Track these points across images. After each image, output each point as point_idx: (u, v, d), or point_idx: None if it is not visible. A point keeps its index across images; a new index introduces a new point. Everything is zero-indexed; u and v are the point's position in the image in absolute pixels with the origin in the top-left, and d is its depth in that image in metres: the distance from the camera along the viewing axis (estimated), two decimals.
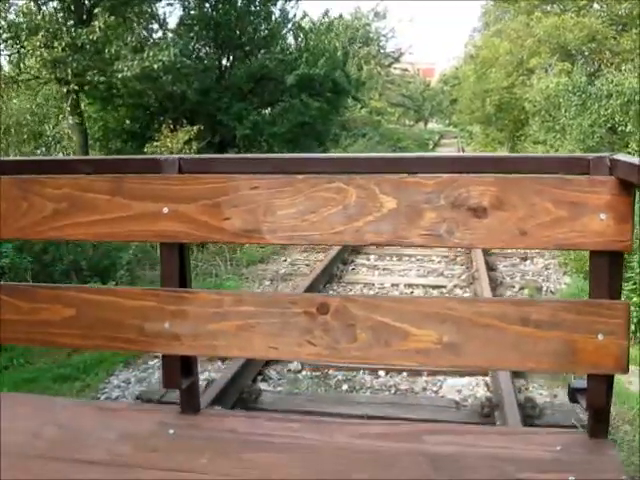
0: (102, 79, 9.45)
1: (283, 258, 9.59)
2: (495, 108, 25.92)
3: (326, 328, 1.99)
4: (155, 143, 8.90)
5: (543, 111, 19.36)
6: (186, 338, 2.08)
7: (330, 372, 5.01)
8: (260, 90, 12.98)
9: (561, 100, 18.02)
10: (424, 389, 4.82)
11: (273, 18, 13.25)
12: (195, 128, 9.28)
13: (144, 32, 11.17)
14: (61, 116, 10.24)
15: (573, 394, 2.02)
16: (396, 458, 1.93)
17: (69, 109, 9.73)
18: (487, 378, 4.81)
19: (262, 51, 12.22)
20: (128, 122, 11.63)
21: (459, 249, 9.28)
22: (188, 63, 9.92)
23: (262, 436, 2.07)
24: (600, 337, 1.86)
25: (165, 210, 2.05)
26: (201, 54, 12.42)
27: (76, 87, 9.64)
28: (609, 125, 16.53)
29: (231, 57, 13.02)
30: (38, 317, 2.18)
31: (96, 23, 8.87)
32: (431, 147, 40.38)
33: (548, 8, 24.46)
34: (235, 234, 2.05)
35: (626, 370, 1.90)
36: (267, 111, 12.97)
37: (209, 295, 2.14)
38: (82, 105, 11.28)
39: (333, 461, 1.92)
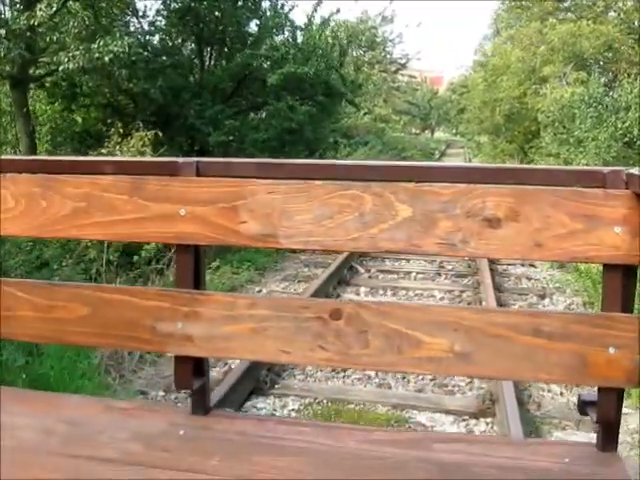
0: (39, 72, 8.15)
1: None
2: (505, 118, 24.98)
3: (339, 334, 2.02)
4: (102, 150, 7.49)
5: (557, 122, 18.74)
6: (199, 339, 2.11)
7: None
8: (244, 92, 11.48)
9: (576, 111, 17.33)
10: None
11: (262, 12, 11.87)
12: (150, 133, 7.81)
13: (117, 22, 9.78)
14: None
15: (583, 406, 2.02)
16: (405, 465, 1.94)
17: (13, 108, 8.38)
18: None
19: (247, 49, 10.63)
20: (82, 124, 10.21)
21: (468, 283, 8.71)
22: (145, 56, 8.41)
23: (272, 439, 2.08)
24: (612, 350, 1.86)
25: (182, 212, 2.09)
26: (173, 48, 10.87)
27: (25, 82, 8.37)
28: (626, 139, 15.84)
29: (211, 54, 11.58)
30: (54, 315, 2.22)
31: (38, 6, 7.50)
32: (437, 157, 39.39)
33: (561, 16, 23.87)
34: (251, 238, 2.09)
35: (637, 384, 1.90)
36: (252, 115, 11.49)
37: (223, 297, 2.17)
38: (37, 104, 10.04)
39: (342, 466, 1.93)
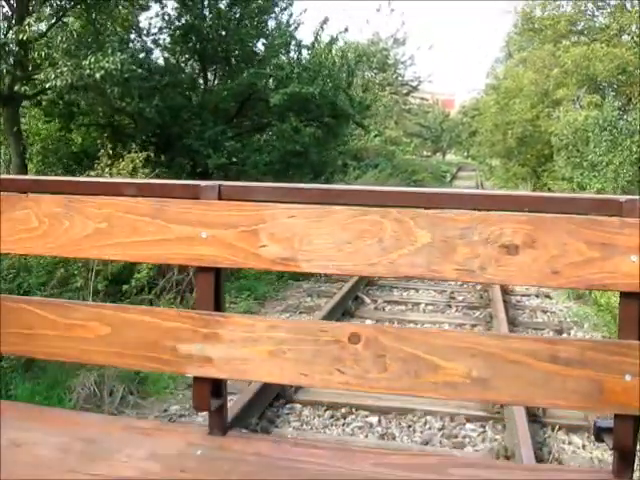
0: (25, 89, 7.74)
1: None
2: (517, 141, 24.74)
3: (357, 358, 2.02)
4: (91, 172, 7.04)
5: (570, 146, 18.53)
6: (218, 361, 2.12)
7: None
8: (248, 113, 11.04)
9: (590, 135, 17.16)
10: None
11: (269, 31, 11.47)
12: (141, 155, 7.36)
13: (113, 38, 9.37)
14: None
15: (599, 433, 2.02)
16: None
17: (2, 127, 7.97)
18: None
19: (251, 68, 10.17)
20: (81, 144, 9.79)
21: (480, 316, 8.21)
22: (139, 73, 7.96)
23: (288, 461, 2.08)
24: (628, 378, 1.86)
25: (204, 235, 2.12)
26: (174, 67, 10.44)
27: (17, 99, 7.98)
28: None
29: (216, 73, 11.15)
30: (74, 333, 2.23)
31: (27, 20, 7.09)
32: (448, 180, 38.91)
33: (575, 38, 23.68)
34: (272, 261, 2.10)
35: None
36: (257, 137, 11.03)
37: (242, 319, 2.20)
38: (32, 122, 9.64)
39: None
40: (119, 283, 7.06)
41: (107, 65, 7.04)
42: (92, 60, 7.07)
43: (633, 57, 19.96)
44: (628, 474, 1.98)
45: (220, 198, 2.15)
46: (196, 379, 2.21)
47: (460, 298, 9.19)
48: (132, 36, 10.74)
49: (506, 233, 1.94)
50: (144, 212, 2.17)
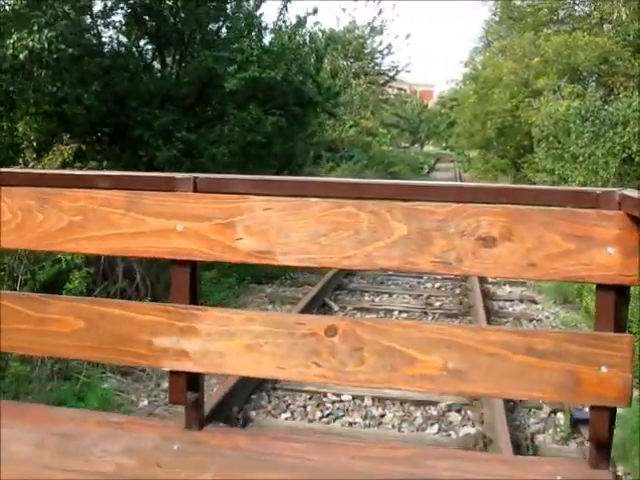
0: None
1: None
2: (496, 132, 24.30)
3: (333, 351, 2.03)
4: (15, 168, 6.13)
5: (551, 137, 18.12)
6: (194, 355, 2.12)
7: None
8: (209, 101, 10.07)
9: (571, 126, 16.67)
10: None
11: (231, 11, 10.49)
12: (69, 148, 6.40)
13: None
14: None
15: (575, 424, 2.32)
16: None
17: None
18: None
19: (207, 51, 9.19)
20: (27, 135, 8.77)
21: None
22: (70, 53, 6.95)
23: (266, 455, 2.08)
24: (604, 369, 1.88)
25: (179, 228, 2.11)
26: (120, 49, 9.44)
27: None
28: (624, 155, 15.07)
29: (174, 58, 10.16)
30: (48, 328, 2.21)
31: None
32: (426, 172, 38.23)
33: (556, 27, 23.26)
34: (247, 254, 2.10)
35: (629, 403, 1.89)
36: (218, 128, 10.05)
37: (219, 313, 2.17)
38: None
39: None
40: (54, 291, 6.20)
41: (32, 44, 6.11)
42: (15, 38, 6.13)
43: (615, 46, 19.71)
44: (604, 464, 1.99)
45: (196, 190, 2.13)
46: (172, 373, 2.19)
47: (437, 304, 8.38)
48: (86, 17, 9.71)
49: (483, 225, 1.95)
50: (119, 205, 2.15)
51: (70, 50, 6.78)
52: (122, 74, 8.46)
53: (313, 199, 2.06)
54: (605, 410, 1.94)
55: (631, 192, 1.87)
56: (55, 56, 6.61)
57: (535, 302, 8.58)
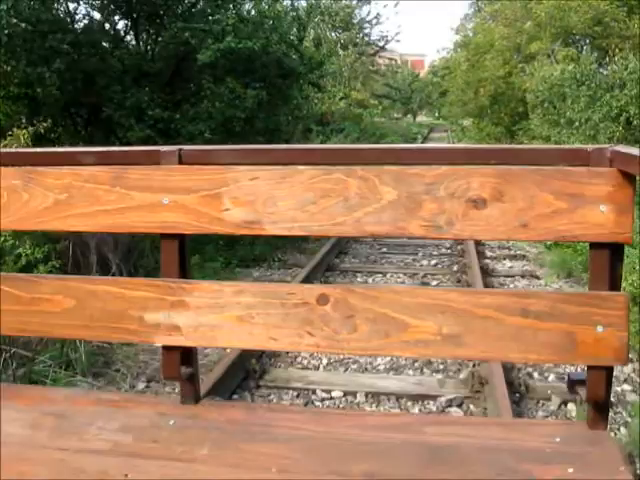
0: None
1: None
2: (490, 99, 23.76)
3: (326, 319, 2.02)
4: None
5: (546, 103, 17.72)
6: (186, 329, 2.12)
7: None
8: (187, 77, 9.49)
9: (567, 90, 16.26)
10: None
11: None
12: (30, 130, 5.85)
13: None
14: None
15: (572, 385, 2.05)
16: (395, 449, 1.93)
17: None
18: None
19: (180, 23, 8.58)
20: None
21: None
22: (24, 28, 6.36)
23: (262, 427, 2.08)
24: (599, 329, 1.88)
25: (165, 201, 2.09)
26: (87, 23, 8.85)
27: None
28: (621, 119, 14.60)
29: (149, 32, 9.58)
30: (39, 307, 2.21)
31: None
32: (420, 142, 37.70)
33: None
34: (235, 225, 2.08)
35: (626, 362, 1.93)
36: (198, 105, 9.48)
37: (209, 286, 2.15)
38: None
39: (332, 452, 1.92)
40: None
41: None
42: None
43: (609, 7, 19.29)
44: (603, 425, 1.99)
45: (181, 162, 2.11)
46: (165, 348, 2.18)
47: (434, 283, 7.95)
48: None
49: (473, 187, 1.92)
50: (104, 180, 2.14)
51: (23, 25, 6.24)
52: (90, 50, 7.90)
53: (300, 167, 2.04)
54: (602, 370, 1.93)
55: (623, 148, 1.86)
56: (7, 32, 6.08)
57: (537, 277, 8.16)
